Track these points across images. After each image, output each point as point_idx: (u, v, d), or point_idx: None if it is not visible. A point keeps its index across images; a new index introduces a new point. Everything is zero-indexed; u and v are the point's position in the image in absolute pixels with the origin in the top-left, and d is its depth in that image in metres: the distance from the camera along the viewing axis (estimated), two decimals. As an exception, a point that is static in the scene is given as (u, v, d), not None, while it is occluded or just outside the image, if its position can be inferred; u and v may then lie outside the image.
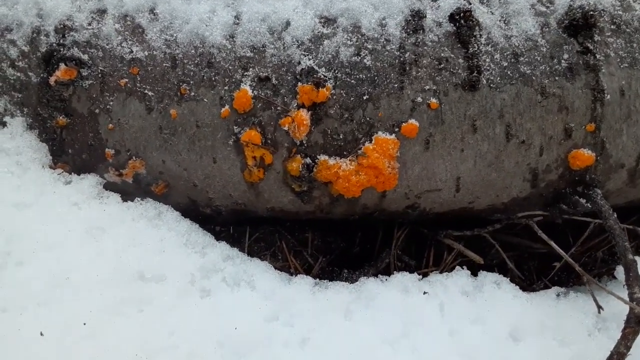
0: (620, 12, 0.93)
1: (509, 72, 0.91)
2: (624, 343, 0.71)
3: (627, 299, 0.78)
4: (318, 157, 0.94)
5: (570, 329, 0.85)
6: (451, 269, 1.12)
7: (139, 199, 0.97)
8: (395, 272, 1.09)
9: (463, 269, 0.98)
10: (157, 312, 0.82)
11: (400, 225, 1.15)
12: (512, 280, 1.13)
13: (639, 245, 1.10)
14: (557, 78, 0.90)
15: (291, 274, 1.13)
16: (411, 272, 1.11)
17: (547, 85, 0.90)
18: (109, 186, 1.01)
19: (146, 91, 0.95)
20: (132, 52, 0.96)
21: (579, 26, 0.91)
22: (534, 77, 0.90)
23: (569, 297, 0.91)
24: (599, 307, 0.86)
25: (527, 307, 0.87)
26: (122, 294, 0.83)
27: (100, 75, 0.96)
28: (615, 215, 0.88)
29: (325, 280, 0.96)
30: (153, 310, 0.82)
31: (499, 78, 0.91)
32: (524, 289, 1.13)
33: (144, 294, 0.84)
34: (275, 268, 1.13)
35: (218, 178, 0.98)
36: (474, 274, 1.00)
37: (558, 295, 0.93)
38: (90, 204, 0.92)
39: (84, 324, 0.77)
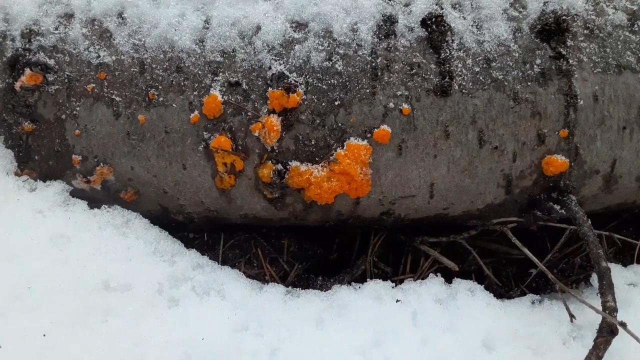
0: (594, 17, 0.93)
1: (481, 78, 0.90)
2: (596, 353, 0.70)
3: (600, 308, 0.77)
4: (290, 163, 0.92)
5: (545, 338, 0.83)
6: (427, 276, 1.11)
7: (106, 206, 0.95)
8: (370, 279, 1.08)
9: (437, 276, 0.97)
10: (122, 322, 0.80)
11: (377, 232, 1.14)
12: (489, 287, 1.13)
13: (616, 252, 1.09)
14: (529, 83, 0.90)
15: (267, 282, 1.11)
16: (387, 279, 1.10)
17: (520, 91, 0.89)
18: (76, 193, 0.99)
19: (114, 96, 0.93)
20: (99, 56, 0.94)
21: (552, 31, 0.90)
22: (506, 83, 0.90)
23: (543, 304, 0.90)
24: (571, 316, 0.85)
25: (501, 315, 0.86)
26: (86, 304, 0.80)
27: (66, 81, 0.94)
28: (590, 222, 0.87)
29: (298, 289, 0.94)
30: (118, 321, 0.80)
31: (471, 83, 0.90)
32: (501, 295, 1.12)
33: (108, 304, 0.81)
34: (251, 276, 1.11)
35: (189, 185, 0.96)
36: (451, 280, 0.99)
37: (533, 302, 0.92)
38: (55, 211, 0.90)
39: (44, 335, 0.75)
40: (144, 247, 0.90)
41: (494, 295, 1.10)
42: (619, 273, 0.95)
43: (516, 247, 1.10)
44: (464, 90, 0.90)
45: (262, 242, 1.15)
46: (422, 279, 1.10)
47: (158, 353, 0.78)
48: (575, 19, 0.92)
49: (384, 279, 1.10)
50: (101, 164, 0.96)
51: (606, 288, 0.78)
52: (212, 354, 0.80)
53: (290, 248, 1.16)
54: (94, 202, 1.00)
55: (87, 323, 0.78)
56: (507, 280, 1.16)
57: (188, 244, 1.11)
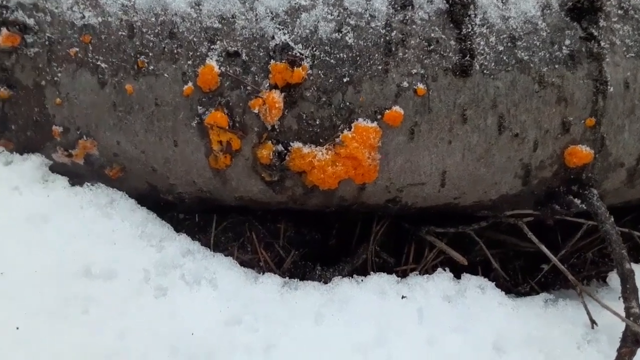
0: (629, -4, 0.85)
1: (504, 58, 0.82)
2: (619, 364, 0.65)
3: (623, 314, 0.71)
4: (291, 144, 0.84)
5: (558, 341, 0.78)
6: (432, 267, 1.05)
7: (88, 184, 0.87)
8: (372, 270, 1.02)
9: (445, 270, 0.91)
10: (104, 313, 0.73)
11: (379, 219, 1.07)
12: (496, 280, 1.07)
13: (630, 248, 1.04)
14: (557, 66, 0.82)
15: (261, 268, 1.05)
16: (389, 269, 1.04)
17: (546, 74, 0.82)
18: (57, 168, 0.91)
19: (99, 63, 0.84)
20: (84, 17, 0.85)
21: (584, 9, 0.82)
22: (531, 64, 0.82)
23: (557, 305, 0.85)
24: (593, 322, 0.79)
25: (513, 316, 0.81)
26: (65, 292, 0.73)
27: (47, 43, 0.85)
28: (612, 219, 0.81)
29: (296, 280, 0.87)
30: (100, 311, 0.73)
31: (493, 64, 0.82)
32: (508, 290, 1.07)
33: (90, 293, 0.75)
34: (244, 261, 1.05)
35: (180, 163, 0.89)
36: (457, 274, 0.93)
37: (546, 302, 0.86)
38: (33, 188, 0.82)
39: (17, 328, 0.68)
40: (130, 230, 0.82)
41: (502, 290, 1.05)
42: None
43: (526, 239, 1.05)
44: (485, 71, 0.82)
45: (257, 226, 1.08)
46: (427, 270, 1.04)
47: (143, 347, 0.71)
48: (610, -3, 0.84)
49: (386, 269, 1.05)
50: (84, 136, 0.87)
51: (630, 292, 0.73)
52: (202, 349, 0.74)
53: (287, 232, 1.09)
54: (77, 178, 0.92)
55: (66, 314, 0.71)
56: (515, 274, 1.11)
57: (178, 226, 1.05)
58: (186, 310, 0.78)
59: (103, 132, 0.87)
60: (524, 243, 1.09)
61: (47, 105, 0.86)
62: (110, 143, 0.88)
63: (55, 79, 0.85)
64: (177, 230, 1.03)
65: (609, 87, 0.82)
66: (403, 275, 1.06)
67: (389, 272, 1.04)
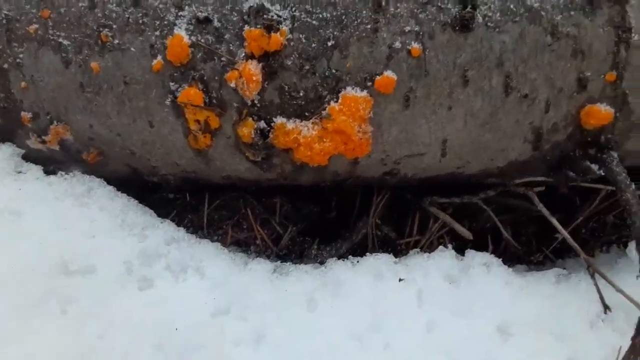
0: None
1: (512, 6, 0.71)
2: (633, 357, 0.59)
3: (641, 295, 0.64)
4: (274, 119, 0.77)
5: (570, 321, 0.72)
6: (438, 239, 0.99)
7: (62, 172, 0.82)
8: (373, 245, 0.96)
9: (447, 248, 0.84)
10: (84, 311, 0.70)
11: (379, 190, 1.00)
12: (506, 250, 1.01)
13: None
14: (572, 13, 0.71)
15: (257, 246, 1.00)
16: (392, 243, 0.99)
17: (560, 23, 0.71)
18: (34, 154, 0.86)
19: (61, 39, 0.77)
20: (39, -11, 0.77)
21: (606, -58, 0.70)
22: (543, 13, 0.71)
23: (570, 281, 0.78)
24: (606, 307, 0.72)
25: (521, 296, 0.75)
26: (42, 290, 0.70)
27: (4, 21, 0.78)
28: (634, 187, 0.72)
29: (288, 263, 0.82)
30: (79, 309, 0.70)
31: (499, 14, 0.71)
32: (520, 259, 1.01)
33: (68, 290, 0.71)
34: (239, 240, 1.01)
35: (158, 144, 0.82)
36: (462, 248, 0.87)
37: (558, 277, 0.79)
38: (4, 181, 0.77)
39: (-8, 329, 0.65)
40: (109, 219, 0.78)
41: (513, 259, 0.98)
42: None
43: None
44: (489, 24, 0.71)
45: (252, 201, 1.03)
46: (432, 242, 0.98)
47: (126, 345, 0.68)
48: None
49: (388, 243, 0.99)
50: (55, 121, 0.82)
51: (651, 271, 0.65)
52: (190, 341, 0.71)
53: (283, 207, 1.03)
54: (56, 164, 0.88)
55: (44, 313, 0.68)
56: (528, 241, 1.03)
57: (169, 206, 1.00)
58: (172, 301, 0.74)
59: (74, 116, 0.81)
60: (536, 208, 1.01)
61: (13, 90, 0.80)
62: (83, 127, 0.82)
63: (18, 60, 0.79)
64: (169, 211, 1.00)
65: (633, 35, 0.71)
66: (407, 247, 1.00)
67: (392, 246, 0.99)
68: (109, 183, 0.88)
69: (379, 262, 0.79)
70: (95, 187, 0.81)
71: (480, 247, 1.03)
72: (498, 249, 1.02)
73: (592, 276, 0.71)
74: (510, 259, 1.02)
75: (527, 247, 1.03)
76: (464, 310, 0.73)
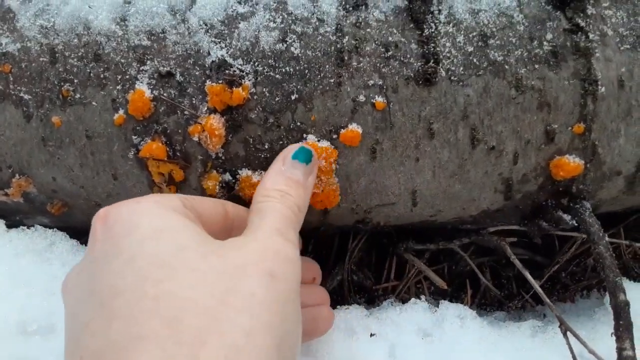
0: (624, -26, 0.72)
1: (475, 60, 0.70)
2: None
3: (615, 356, 0.62)
4: (239, 171, 0.76)
5: (544, 379, 0.70)
6: (416, 284, 0.97)
7: (24, 227, 0.80)
8: (349, 291, 0.94)
9: (425, 294, 0.82)
10: (40, 376, 0.67)
11: (355, 234, 0.99)
12: (485, 293, 0.99)
13: (632, 258, 0.93)
14: (537, 66, 0.70)
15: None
16: (368, 289, 0.97)
17: (524, 76, 0.70)
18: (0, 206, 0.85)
19: (22, 94, 0.76)
20: (1, 44, 0.76)
21: (569, -5, 0.70)
22: (507, 66, 0.70)
23: (546, 333, 0.76)
24: (578, 370, 0.70)
25: (495, 352, 0.72)
26: (-3, 355, 0.68)
27: (-35, 75, 0.77)
28: (606, 240, 0.71)
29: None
30: (35, 374, 0.67)
31: (462, 68, 0.70)
32: (500, 303, 0.98)
33: (25, 353, 0.69)
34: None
35: (123, 196, 0.81)
36: (442, 292, 0.85)
37: (534, 329, 0.77)
38: (-37, 238, 0.75)
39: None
40: (71, 276, 0.75)
41: (493, 303, 0.97)
42: (636, 293, 0.79)
43: (518, 246, 0.95)
44: (453, 77, 0.71)
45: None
46: (409, 289, 0.96)
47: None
48: (600, -23, 0.71)
49: (364, 289, 0.97)
50: (17, 175, 0.80)
51: (623, 330, 0.63)
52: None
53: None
54: (21, 214, 0.86)
55: (-3, 380, 0.66)
56: (508, 283, 1.01)
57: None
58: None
59: (37, 169, 0.79)
60: (517, 250, 1.00)
61: (-26, 144, 0.79)
62: (46, 180, 0.80)
63: (-21, 114, 0.77)
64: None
65: (599, 87, 0.70)
66: (384, 293, 0.98)
67: (368, 292, 0.97)
68: (77, 231, 0.86)
69: (350, 317, 0.77)
70: (57, 241, 0.79)
71: (460, 289, 1.01)
72: (478, 292, 1.00)
73: (565, 335, 0.69)
74: (490, 302, 1.00)
75: (508, 290, 1.00)
76: (435, 368, 0.71)
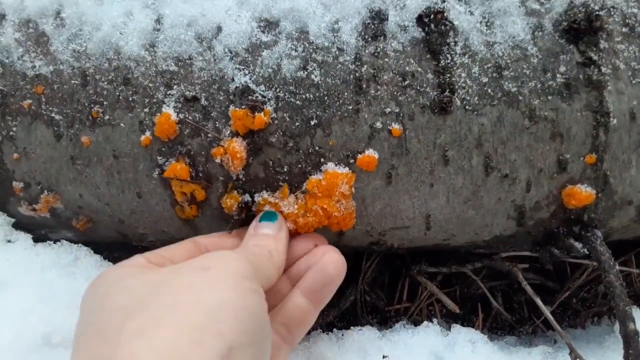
0: (636, 10, 0.74)
1: (489, 91, 0.73)
2: None
3: (624, 385, 0.63)
4: (259, 193, 0.78)
5: (555, 406, 0.71)
6: (428, 306, 0.98)
7: (50, 242, 0.83)
8: (362, 311, 0.96)
9: (437, 317, 0.84)
10: (63, 387, 0.70)
11: (369, 255, 1.00)
12: (497, 317, 1.00)
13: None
14: (550, 97, 0.72)
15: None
16: (380, 310, 0.98)
17: (538, 107, 0.72)
18: (26, 220, 0.88)
19: (53, 114, 0.80)
20: (35, 67, 0.80)
21: (581, 30, 0.72)
22: (520, 97, 0.73)
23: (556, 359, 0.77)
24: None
25: (505, 377, 0.73)
26: (22, 365, 0.70)
27: (0, 96, 0.81)
28: (617, 269, 0.72)
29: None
30: (58, 385, 0.70)
31: (476, 98, 0.73)
32: (511, 328, 0.99)
33: (49, 365, 0.71)
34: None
35: (147, 214, 0.84)
36: (454, 315, 0.86)
37: (544, 355, 0.78)
38: (-7, 251, 0.78)
39: (-31, 410, 0.65)
40: (94, 291, 0.78)
41: (505, 327, 0.97)
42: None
43: (530, 271, 0.96)
44: (467, 107, 0.73)
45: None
46: (421, 310, 0.97)
47: None
48: (612, 13, 0.73)
49: (377, 310, 0.98)
50: (46, 191, 0.84)
51: (633, 359, 0.64)
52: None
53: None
54: (48, 229, 0.89)
55: (22, 390, 0.68)
56: (520, 308, 1.02)
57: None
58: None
59: (64, 186, 0.83)
60: (529, 274, 1.01)
61: (6, 161, 0.83)
62: (73, 196, 0.83)
63: (11, 133, 0.81)
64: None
65: (611, 119, 0.72)
66: (396, 314, 0.99)
67: (381, 312, 0.99)
68: (100, 246, 0.89)
69: (363, 338, 0.78)
70: (82, 256, 0.82)
71: (472, 312, 1.02)
72: (489, 316, 1.00)
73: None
74: (502, 326, 1.01)
75: (519, 314, 1.01)
76: (447, 392, 0.72)
